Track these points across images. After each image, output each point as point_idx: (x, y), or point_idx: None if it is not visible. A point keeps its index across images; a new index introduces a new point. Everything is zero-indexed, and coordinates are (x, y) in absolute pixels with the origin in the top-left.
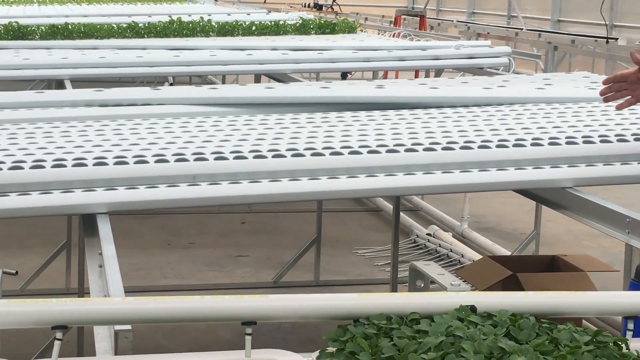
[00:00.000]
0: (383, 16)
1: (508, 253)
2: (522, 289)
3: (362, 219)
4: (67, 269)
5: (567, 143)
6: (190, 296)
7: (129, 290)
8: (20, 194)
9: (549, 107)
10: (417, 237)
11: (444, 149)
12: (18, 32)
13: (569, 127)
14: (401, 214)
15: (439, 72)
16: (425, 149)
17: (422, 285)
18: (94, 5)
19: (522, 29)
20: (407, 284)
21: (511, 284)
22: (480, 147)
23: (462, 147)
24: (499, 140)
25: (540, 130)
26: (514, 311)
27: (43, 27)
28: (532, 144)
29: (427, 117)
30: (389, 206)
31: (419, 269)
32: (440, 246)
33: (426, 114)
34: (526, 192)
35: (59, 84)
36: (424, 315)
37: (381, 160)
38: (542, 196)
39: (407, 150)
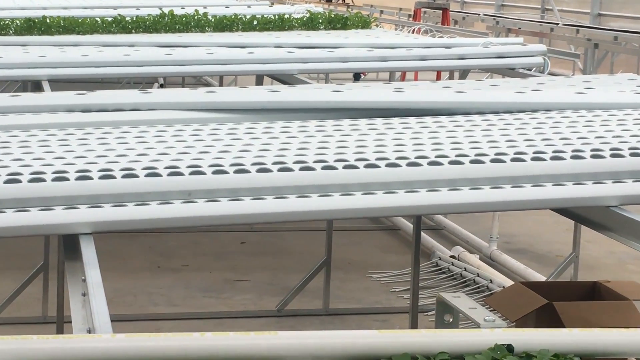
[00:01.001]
0: (401, 9)
1: (543, 278)
2: (559, 320)
3: (377, 238)
4: (44, 294)
5: (611, 156)
6: (187, 333)
7: (115, 319)
8: None
9: (590, 115)
10: (440, 259)
11: (472, 162)
12: None
13: (613, 137)
14: (422, 233)
15: (464, 73)
16: (451, 162)
17: (451, 320)
18: None
19: (557, 24)
20: (427, 313)
21: (547, 314)
22: (513, 159)
23: (492, 160)
24: (534, 152)
25: (581, 140)
26: (557, 351)
27: (18, 21)
28: (572, 157)
29: (452, 125)
30: (408, 225)
31: (447, 302)
32: (465, 270)
33: (451, 121)
34: (565, 210)
35: (36, 85)
36: (454, 355)
37: (401, 175)
38: (583, 215)
39: (431, 163)
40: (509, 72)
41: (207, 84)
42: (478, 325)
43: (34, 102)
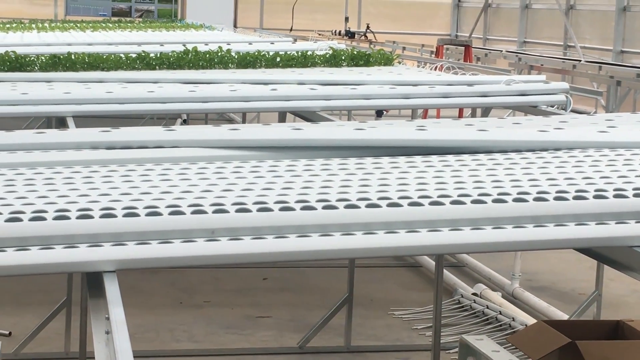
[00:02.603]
0: (423, 45)
1: (566, 317)
2: (582, 359)
3: (399, 275)
4: (66, 330)
5: (635, 195)
6: None
7: (137, 355)
8: (18, 249)
9: (613, 154)
10: (462, 297)
11: (494, 201)
12: (15, 63)
13: (636, 176)
14: (444, 270)
15: (486, 110)
16: (474, 201)
17: None
18: (100, 32)
19: (580, 60)
20: (449, 351)
21: (570, 353)
22: (535, 199)
23: (515, 200)
24: (556, 192)
25: (604, 180)
26: None
27: (43, 57)
28: (595, 196)
29: (474, 163)
30: (430, 262)
31: (470, 344)
32: (488, 308)
33: (474, 160)
34: (588, 250)
35: (60, 121)
36: None
37: (424, 214)
38: (606, 255)
39: (453, 202)
40: (532, 109)
41: (230, 120)
42: None
43: (59, 139)
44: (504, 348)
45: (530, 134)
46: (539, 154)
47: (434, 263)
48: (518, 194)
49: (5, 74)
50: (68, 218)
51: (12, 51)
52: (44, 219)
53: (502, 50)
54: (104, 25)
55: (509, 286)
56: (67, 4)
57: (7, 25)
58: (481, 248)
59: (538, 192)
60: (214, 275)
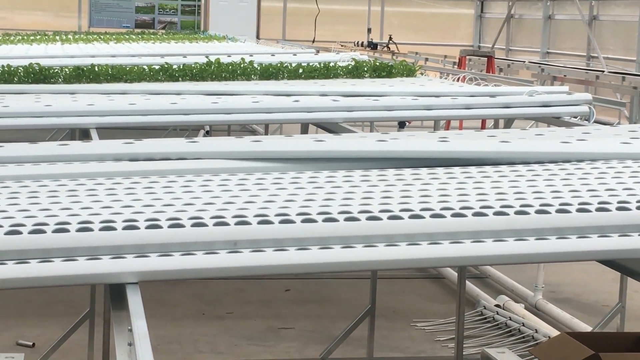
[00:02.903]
0: (446, 56)
1: (589, 329)
2: None
3: (422, 287)
4: (89, 342)
5: None
6: None
7: None
8: (41, 261)
9: (636, 165)
10: (485, 308)
11: (517, 213)
12: (39, 75)
13: None
14: (466, 282)
15: (509, 121)
16: (496, 213)
17: None
18: (123, 44)
19: (603, 71)
20: None
21: None
22: (558, 211)
23: (537, 211)
24: (579, 204)
25: (627, 192)
26: None
27: (67, 69)
28: (618, 208)
29: (497, 175)
30: (452, 273)
31: (492, 357)
32: (510, 319)
33: (496, 171)
34: (611, 262)
35: (84, 133)
36: None
37: (446, 226)
38: (629, 267)
39: (475, 214)
40: (555, 121)
41: (253, 131)
42: None
43: (82, 151)
44: None
45: (552, 145)
46: (561, 166)
47: (456, 274)
48: (540, 205)
49: (29, 86)
50: (91, 230)
51: (36, 63)
52: (67, 230)
53: (524, 61)
54: (127, 37)
55: (532, 298)
56: (91, 16)
57: (32, 37)
58: (503, 260)
59: (561, 204)
60: (236, 287)
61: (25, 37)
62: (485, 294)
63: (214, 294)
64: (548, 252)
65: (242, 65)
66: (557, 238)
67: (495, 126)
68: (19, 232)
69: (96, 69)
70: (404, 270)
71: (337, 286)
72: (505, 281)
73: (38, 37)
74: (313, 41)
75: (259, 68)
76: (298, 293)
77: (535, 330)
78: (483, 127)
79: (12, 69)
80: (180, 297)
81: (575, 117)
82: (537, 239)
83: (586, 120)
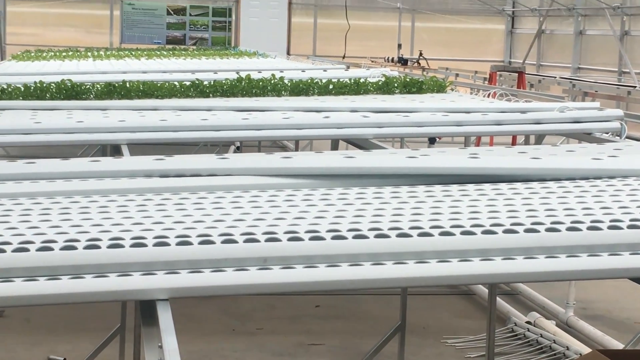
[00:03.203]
0: (476, 72)
1: (621, 346)
2: None
3: (452, 303)
4: (120, 357)
5: None
6: None
7: None
8: (72, 277)
9: None
10: (516, 325)
11: (547, 230)
12: (71, 91)
13: None
14: (497, 298)
15: (540, 137)
16: (527, 230)
17: None
18: (154, 60)
19: (635, 87)
20: None
21: None
22: (589, 228)
23: (568, 229)
24: (611, 221)
25: None
26: None
27: (99, 86)
28: None
29: (527, 192)
30: (483, 290)
31: None
32: (542, 337)
33: (527, 188)
34: None
35: (115, 149)
36: None
37: (476, 243)
38: None
39: (506, 231)
40: (586, 137)
41: (284, 146)
42: None
43: (114, 167)
44: None
45: (584, 162)
46: (592, 182)
47: (487, 291)
48: (571, 222)
49: (61, 102)
50: (122, 246)
51: (68, 80)
52: (98, 247)
53: (555, 77)
54: (158, 53)
55: (563, 314)
56: (123, 32)
57: (64, 54)
58: (534, 278)
59: (592, 221)
60: (267, 302)
61: (58, 54)
62: (516, 311)
63: (244, 310)
64: (579, 269)
65: (272, 82)
66: (589, 255)
67: (526, 142)
68: (51, 249)
69: (127, 85)
70: (434, 287)
71: (367, 302)
72: (536, 298)
73: (70, 53)
74: (343, 57)
75: (289, 84)
76: (328, 309)
77: (567, 347)
78: (514, 142)
79: (44, 85)
80: (210, 313)
81: (607, 133)
82: (568, 257)
83: (618, 136)
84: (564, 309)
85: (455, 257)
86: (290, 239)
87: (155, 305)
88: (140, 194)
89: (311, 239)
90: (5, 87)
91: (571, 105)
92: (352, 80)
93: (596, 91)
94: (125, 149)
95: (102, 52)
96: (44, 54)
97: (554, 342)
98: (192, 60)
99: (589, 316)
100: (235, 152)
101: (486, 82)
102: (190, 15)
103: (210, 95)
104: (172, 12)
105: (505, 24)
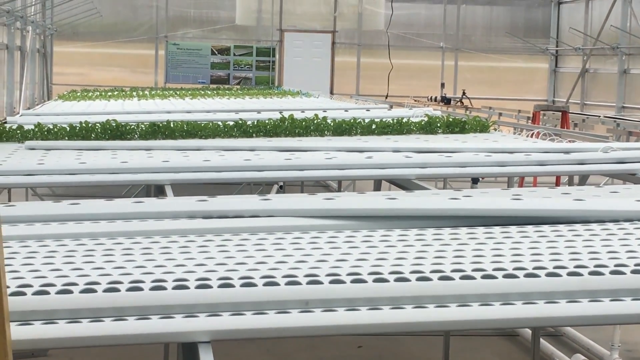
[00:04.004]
0: (519, 111)
1: None
2: None
3: (495, 344)
4: None
5: None
6: None
7: None
8: (115, 319)
9: None
10: None
11: (591, 273)
12: (116, 132)
13: None
14: (541, 340)
15: (583, 178)
16: (570, 273)
17: None
18: (198, 99)
19: None
20: None
21: None
22: (633, 271)
23: (612, 272)
24: None
25: None
26: None
27: (143, 126)
28: None
29: (571, 234)
30: (527, 331)
31: None
32: None
33: (570, 230)
34: None
35: (159, 188)
36: None
37: (519, 286)
38: None
39: (549, 274)
40: (630, 177)
41: (326, 185)
42: None
43: (157, 208)
44: None
45: (628, 203)
46: (637, 225)
47: (530, 332)
48: (615, 266)
49: (106, 142)
50: (164, 289)
51: (113, 120)
52: (141, 289)
53: (599, 116)
54: (202, 92)
55: (608, 357)
56: (167, 72)
57: (109, 93)
58: (577, 322)
59: (636, 264)
60: (309, 343)
61: (103, 93)
62: (560, 353)
63: (286, 351)
64: (623, 313)
65: (315, 121)
66: (633, 299)
67: (570, 182)
68: (94, 291)
69: (171, 125)
70: None
71: (409, 343)
72: (580, 339)
73: (115, 93)
74: (386, 96)
75: (332, 124)
76: (370, 350)
77: None
78: (557, 182)
79: (89, 125)
80: (252, 353)
81: None
82: (612, 300)
83: None
84: (608, 351)
85: (497, 300)
86: (332, 282)
87: (197, 347)
88: (183, 235)
89: (353, 281)
90: (51, 127)
91: (615, 146)
92: (395, 120)
93: None
94: (168, 189)
95: (146, 92)
96: (90, 94)
97: None
98: (235, 99)
99: (634, 358)
100: (278, 191)
101: (529, 121)
102: (234, 55)
103: (254, 135)
104: (216, 52)
105: (548, 63)
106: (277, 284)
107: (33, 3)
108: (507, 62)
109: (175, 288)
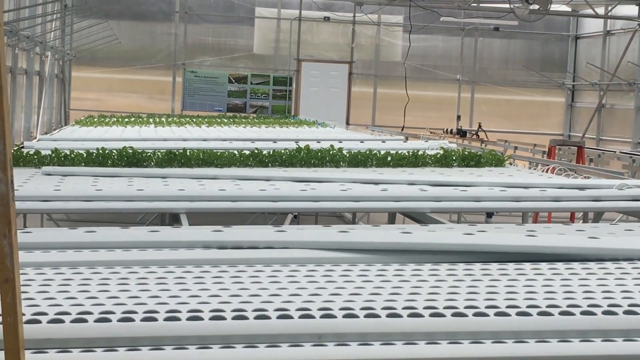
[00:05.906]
0: (535, 145)
1: None
2: None
3: None
4: None
5: None
6: None
7: None
8: (129, 349)
9: None
10: None
11: (604, 312)
12: (132, 159)
13: None
14: None
15: (598, 215)
16: (583, 312)
17: None
18: (215, 127)
19: None
20: None
21: None
22: None
23: (625, 312)
24: None
25: None
26: None
27: (159, 153)
28: None
29: (585, 272)
30: None
31: None
32: None
33: (584, 268)
34: None
35: (174, 217)
36: None
37: (533, 324)
38: None
39: (562, 313)
40: None
41: (341, 216)
42: None
43: (172, 237)
44: None
45: None
46: None
47: None
48: (629, 305)
49: (122, 169)
50: (179, 319)
51: (129, 147)
52: (155, 319)
53: (615, 152)
54: (219, 120)
55: None
56: (184, 99)
57: (126, 119)
58: None
59: None
60: None
61: (120, 119)
62: None
63: None
64: (636, 354)
65: (331, 152)
66: None
67: (585, 218)
68: (108, 320)
69: (187, 154)
70: None
71: None
72: None
73: (132, 119)
74: (402, 128)
75: (347, 155)
76: None
77: None
78: (572, 218)
79: (106, 152)
80: None
81: None
82: (625, 340)
83: None
84: None
85: (510, 338)
86: (345, 316)
87: None
88: (198, 265)
89: (366, 316)
90: (68, 152)
91: (630, 183)
92: (411, 153)
93: None
94: (184, 218)
95: (163, 119)
96: (107, 120)
97: None
98: (252, 128)
99: None
100: (292, 220)
101: (545, 155)
102: (252, 83)
103: (269, 164)
104: (233, 80)
105: (565, 97)
106: (290, 317)
107: (53, 29)
108: (524, 96)
109: (189, 319)
